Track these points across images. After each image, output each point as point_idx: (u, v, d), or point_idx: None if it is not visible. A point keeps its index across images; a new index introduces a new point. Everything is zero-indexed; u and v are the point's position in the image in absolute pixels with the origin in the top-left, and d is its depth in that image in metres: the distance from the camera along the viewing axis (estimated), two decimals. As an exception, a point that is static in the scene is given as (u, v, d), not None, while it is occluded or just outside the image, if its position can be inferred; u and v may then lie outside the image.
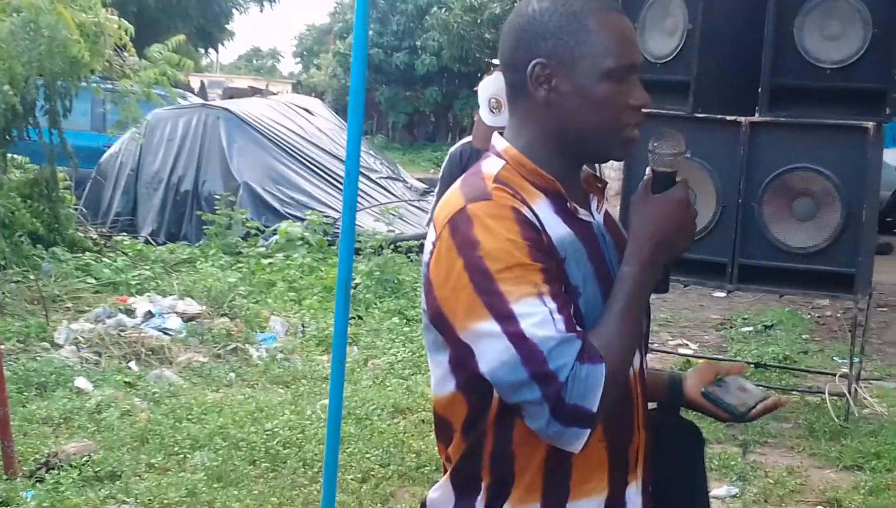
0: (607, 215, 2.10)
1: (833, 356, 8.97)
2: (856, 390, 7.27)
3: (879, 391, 7.89)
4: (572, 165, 2.03)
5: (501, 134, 2.07)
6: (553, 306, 1.82)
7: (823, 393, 7.27)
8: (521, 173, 1.98)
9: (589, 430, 1.82)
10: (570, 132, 1.97)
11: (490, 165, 2.01)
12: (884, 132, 7.10)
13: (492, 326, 1.82)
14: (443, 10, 29.99)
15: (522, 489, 1.94)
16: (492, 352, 1.83)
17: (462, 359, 1.90)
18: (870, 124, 6.54)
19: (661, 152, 1.98)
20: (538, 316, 1.80)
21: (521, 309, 1.81)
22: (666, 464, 2.16)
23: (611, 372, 1.81)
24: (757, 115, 6.87)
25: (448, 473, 2.03)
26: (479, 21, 28.02)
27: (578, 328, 1.84)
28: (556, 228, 1.93)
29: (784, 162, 6.71)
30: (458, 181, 2.02)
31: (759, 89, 6.74)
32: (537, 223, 1.89)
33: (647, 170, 2.02)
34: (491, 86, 4.09)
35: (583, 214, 2.01)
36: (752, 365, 8.34)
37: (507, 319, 1.81)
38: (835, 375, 7.67)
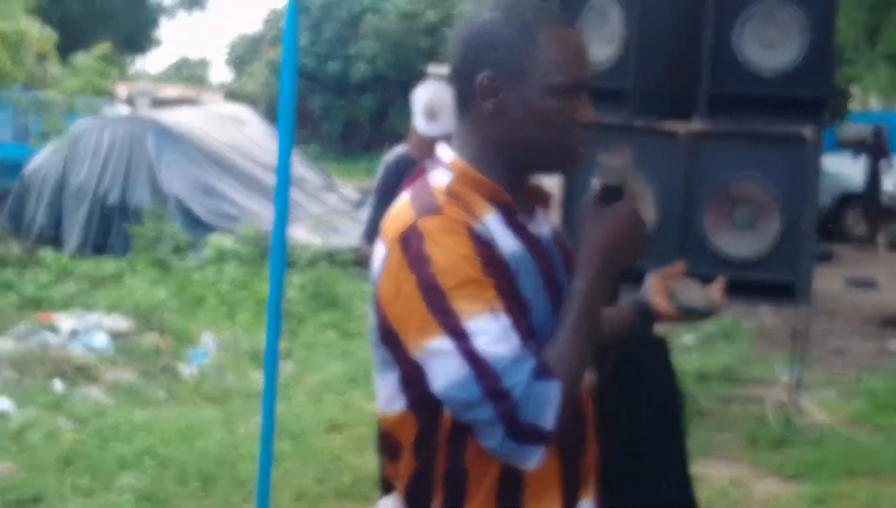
0: (553, 227, 2.10)
1: (775, 365, 8.97)
2: (797, 399, 7.28)
3: (821, 399, 7.89)
4: (519, 178, 2.01)
5: (445, 142, 2.05)
6: (507, 322, 1.80)
7: (765, 403, 7.27)
8: (471, 186, 1.95)
9: (543, 447, 1.81)
10: (515, 145, 1.96)
11: (438, 178, 1.98)
12: (822, 139, 7.12)
13: (444, 343, 1.80)
14: (377, 17, 29.95)
15: (476, 504, 1.92)
16: (444, 370, 1.81)
17: (413, 377, 1.88)
18: (808, 132, 6.54)
19: (608, 165, 1.97)
20: (492, 333, 1.79)
21: (474, 326, 1.79)
22: (646, 379, 2.29)
23: (565, 388, 1.81)
24: (696, 123, 6.85)
25: (400, 491, 2.00)
26: (414, 28, 28.02)
27: (532, 345, 1.82)
28: (508, 242, 1.91)
29: (724, 170, 6.69)
30: (408, 195, 1.98)
31: (699, 97, 6.73)
32: (489, 238, 1.87)
33: (595, 182, 2.01)
34: (425, 94, 3.99)
35: (531, 227, 2.00)
36: (695, 376, 8.32)
37: (460, 336, 1.79)
38: (776, 385, 7.69)
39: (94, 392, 7.16)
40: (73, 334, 8.17)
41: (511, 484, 1.91)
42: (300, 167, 14.74)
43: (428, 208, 1.89)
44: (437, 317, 1.80)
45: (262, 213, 12.71)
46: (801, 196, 6.60)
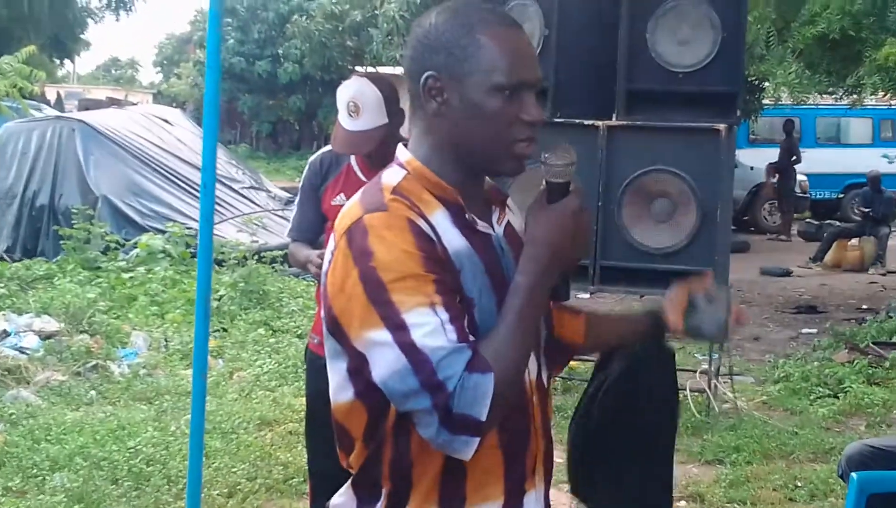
0: (509, 226, 2.12)
1: (694, 352, 9.17)
2: (715, 385, 7.45)
3: (738, 385, 8.09)
4: (471, 177, 2.05)
5: (405, 144, 2.09)
6: (445, 316, 1.85)
7: (685, 390, 7.42)
8: (423, 184, 2.00)
9: (478, 438, 1.85)
10: (462, 145, 2.00)
11: (391, 176, 2.02)
12: (735, 134, 7.31)
13: (384, 335, 1.85)
14: (304, 17, 29.80)
15: (420, 496, 1.97)
16: (384, 361, 1.86)
17: (358, 367, 1.93)
18: (722, 126, 6.69)
19: (552, 164, 1.99)
20: (429, 326, 1.83)
21: (412, 319, 1.84)
22: (651, 387, 2.31)
23: (500, 381, 1.85)
24: (614, 119, 6.99)
25: (350, 480, 2.06)
26: (340, 29, 27.91)
27: (471, 338, 1.87)
28: (453, 239, 1.96)
29: (641, 165, 6.83)
30: (359, 192, 2.04)
31: (616, 94, 6.86)
32: (433, 235, 1.92)
33: (542, 181, 2.04)
34: (349, 90, 4.05)
35: (482, 226, 2.03)
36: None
37: (398, 329, 1.84)
38: (695, 371, 7.85)
39: (25, 394, 7.10)
40: (3, 335, 8.10)
41: (454, 475, 1.96)
42: (229, 167, 14.69)
43: (374, 204, 1.94)
44: (377, 309, 1.85)
45: (192, 212, 12.67)
46: (716, 189, 6.75)
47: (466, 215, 2.00)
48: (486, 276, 1.97)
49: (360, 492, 2.04)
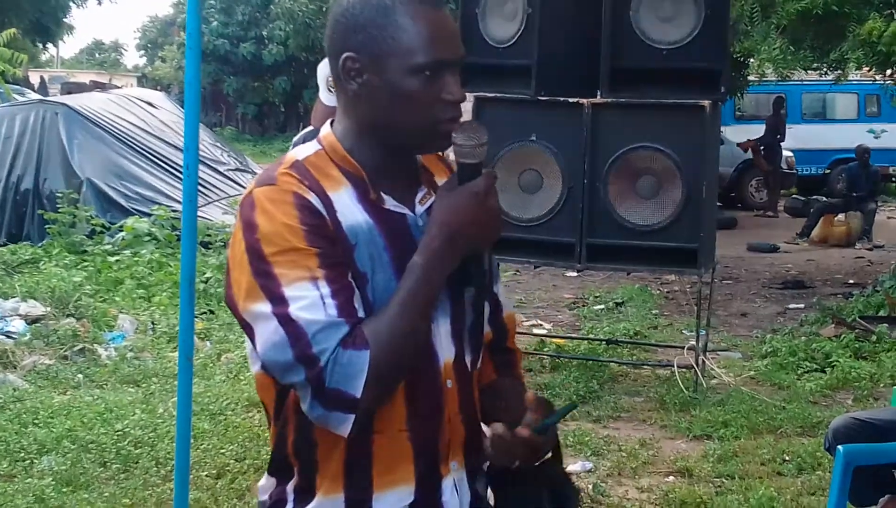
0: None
1: (681, 329, 9.22)
2: (703, 361, 7.46)
3: (726, 361, 8.13)
4: (390, 156, 2.01)
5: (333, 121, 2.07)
6: (326, 290, 1.84)
7: (673, 366, 7.46)
8: (333, 159, 1.99)
9: (352, 415, 1.83)
10: (382, 125, 1.97)
11: (302, 150, 2.02)
12: (720, 110, 7.32)
13: (265, 307, 1.85)
14: (287, -1, 29.76)
15: (327, 477, 1.96)
16: (265, 333, 1.85)
17: (251, 338, 1.92)
18: (706, 103, 6.72)
19: (460, 144, 1.94)
20: (307, 300, 1.83)
21: (291, 292, 1.83)
22: None
23: (377, 359, 1.82)
24: (599, 96, 7.00)
25: (269, 459, 2.06)
26: (324, 9, 27.82)
27: (359, 315, 1.85)
28: (353, 215, 1.94)
29: (626, 142, 6.86)
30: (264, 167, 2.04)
31: (600, 71, 6.87)
32: (322, 209, 1.90)
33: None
34: (328, 66, 4.04)
35: (392, 204, 1.99)
36: (605, 342, 8.50)
37: (278, 301, 1.84)
38: (683, 348, 7.87)
39: (12, 378, 7.08)
40: (-11, 320, 8.11)
41: (359, 456, 1.94)
42: (214, 149, 14.65)
43: (266, 178, 1.93)
44: (259, 282, 1.85)
45: (177, 195, 12.61)
46: (701, 165, 6.79)
47: (371, 193, 1.97)
48: (385, 253, 1.94)
49: (275, 472, 2.04)
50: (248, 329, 1.90)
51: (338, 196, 1.94)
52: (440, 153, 2.14)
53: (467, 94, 7.65)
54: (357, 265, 1.91)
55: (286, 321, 1.82)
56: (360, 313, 1.86)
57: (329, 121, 2.07)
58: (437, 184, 2.08)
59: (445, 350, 2.01)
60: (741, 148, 18.74)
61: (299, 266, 1.84)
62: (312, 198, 1.90)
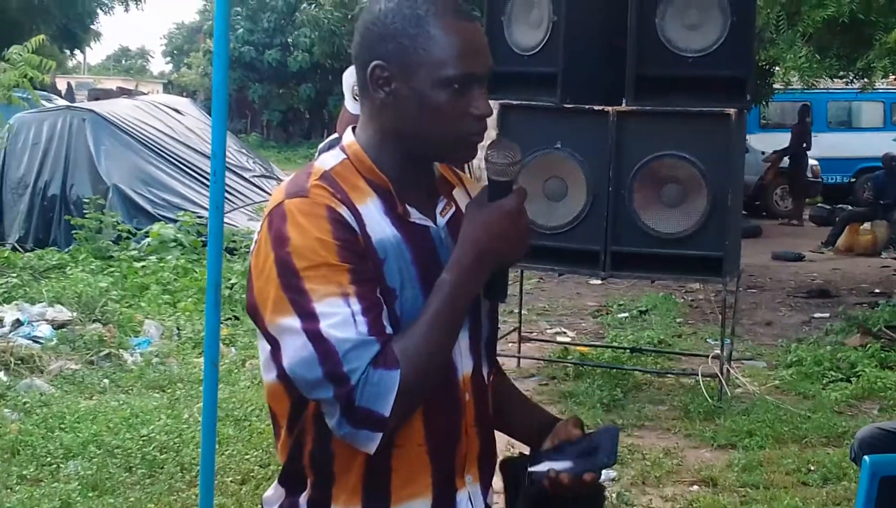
0: (455, 218, 2.04)
1: (706, 338, 9.19)
2: (728, 370, 7.45)
3: (751, 370, 8.10)
4: (413, 167, 2.00)
5: (355, 128, 2.05)
6: (357, 307, 1.81)
7: (697, 375, 7.42)
8: (359, 170, 1.97)
9: (380, 434, 1.82)
10: (408, 136, 1.95)
11: (327, 160, 1.99)
12: (745, 118, 7.30)
13: (294, 322, 1.82)
14: (313, 6, 29.80)
15: (344, 490, 1.94)
16: (292, 348, 1.83)
17: (274, 351, 1.90)
18: (732, 111, 6.70)
19: (494, 161, 1.93)
20: (338, 317, 1.80)
21: (322, 309, 1.81)
22: None
23: (407, 378, 1.81)
24: (624, 104, 6.99)
25: (280, 472, 2.03)
26: (349, 17, 27.89)
27: (388, 331, 1.84)
28: (381, 229, 1.92)
29: (651, 150, 6.85)
30: (291, 176, 2.02)
31: (626, 79, 6.86)
32: (354, 223, 1.88)
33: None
34: (354, 74, 4.05)
35: (416, 217, 1.98)
36: (629, 350, 8.48)
37: (308, 317, 1.81)
38: (708, 357, 7.84)
39: (39, 383, 7.12)
40: (17, 325, 8.14)
41: (378, 469, 1.92)
42: (240, 156, 14.71)
43: (297, 189, 1.90)
44: (289, 296, 1.82)
45: (203, 201, 12.68)
46: (726, 173, 6.77)
47: (398, 206, 1.95)
48: (413, 267, 1.92)
49: (286, 483, 2.01)
50: (273, 341, 1.88)
51: (365, 209, 1.91)
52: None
53: (493, 101, 7.66)
54: (386, 281, 1.89)
55: (316, 337, 1.80)
56: (389, 330, 1.84)
57: (350, 128, 2.05)
58: (454, 194, 2.08)
59: (464, 363, 2.00)
60: (767, 162, 18.67)
61: (331, 282, 1.81)
62: (344, 212, 1.87)
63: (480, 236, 1.89)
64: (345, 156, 1.99)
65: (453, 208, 2.04)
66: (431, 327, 1.86)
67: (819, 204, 19.52)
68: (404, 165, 1.98)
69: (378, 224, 1.91)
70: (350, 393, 1.79)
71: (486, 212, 1.91)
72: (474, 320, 2.03)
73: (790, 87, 12.54)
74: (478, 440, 2.04)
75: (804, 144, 18.52)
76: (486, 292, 1.99)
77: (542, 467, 2.03)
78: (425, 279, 1.92)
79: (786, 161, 18.71)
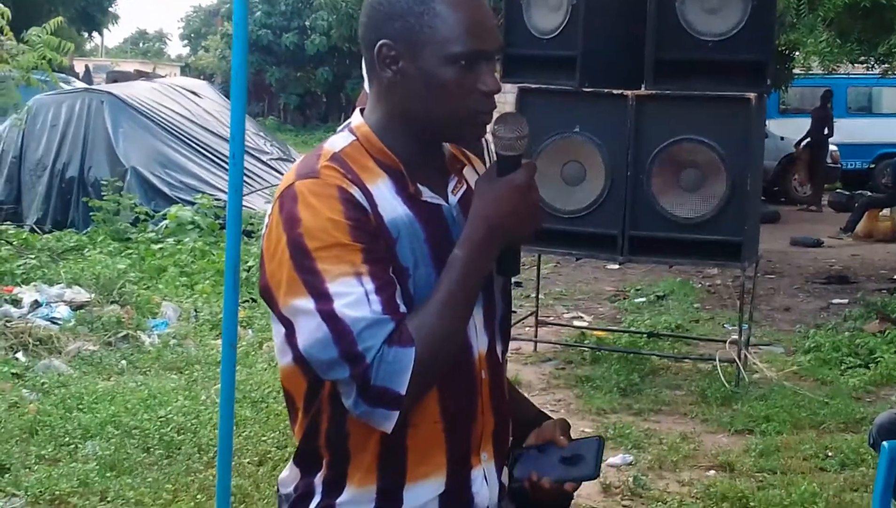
0: (467, 196, 2.03)
1: (723, 323, 9.16)
2: (745, 356, 7.43)
3: (768, 356, 8.08)
4: (423, 146, 1.99)
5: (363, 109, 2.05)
6: (371, 286, 1.81)
7: (715, 360, 7.41)
8: (368, 151, 1.96)
9: (397, 412, 1.82)
10: (417, 115, 1.94)
11: (336, 141, 1.99)
12: (765, 103, 7.26)
13: (308, 303, 1.82)
14: (330, -11, 29.76)
15: (359, 469, 1.94)
16: (307, 329, 1.83)
17: (288, 333, 1.90)
18: (752, 95, 6.68)
19: (501, 136, 1.91)
20: (352, 296, 1.80)
21: (336, 289, 1.81)
22: None
23: (422, 356, 1.81)
24: (643, 88, 6.96)
25: (295, 453, 2.03)
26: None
27: (402, 310, 1.83)
28: (393, 208, 1.91)
29: (670, 134, 6.83)
30: (301, 157, 2.01)
31: (645, 63, 6.83)
32: (366, 203, 1.88)
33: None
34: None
35: (429, 196, 1.98)
36: (646, 335, 8.47)
37: (321, 297, 1.81)
38: (725, 342, 7.83)
39: (57, 363, 7.15)
40: (35, 306, 8.17)
41: (393, 447, 1.92)
42: (257, 139, 14.70)
43: (307, 170, 1.90)
44: (301, 277, 1.82)
45: (220, 184, 12.71)
46: (746, 158, 6.74)
47: (410, 186, 1.95)
48: (426, 246, 1.92)
49: (301, 463, 2.01)
50: (287, 323, 1.88)
51: (376, 189, 1.91)
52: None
53: (511, 84, 7.63)
54: (399, 259, 1.89)
55: (330, 317, 1.80)
56: (403, 309, 1.84)
57: (359, 109, 2.05)
58: (464, 172, 2.07)
59: (480, 341, 2.00)
60: (797, 154, 18.56)
61: (343, 262, 1.81)
62: (356, 192, 1.87)
63: (490, 212, 1.88)
64: (354, 137, 1.98)
65: (464, 187, 2.04)
66: (445, 304, 1.85)
67: (838, 190, 19.43)
68: (414, 144, 1.97)
69: (390, 204, 1.91)
70: (365, 372, 1.79)
71: (495, 187, 1.90)
72: (488, 297, 2.03)
73: (810, 72, 12.48)
74: (493, 417, 2.04)
75: (825, 130, 18.41)
76: (498, 268, 1.98)
77: (524, 468, 2.06)
78: (438, 258, 1.91)
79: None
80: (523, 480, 2.04)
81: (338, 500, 1.96)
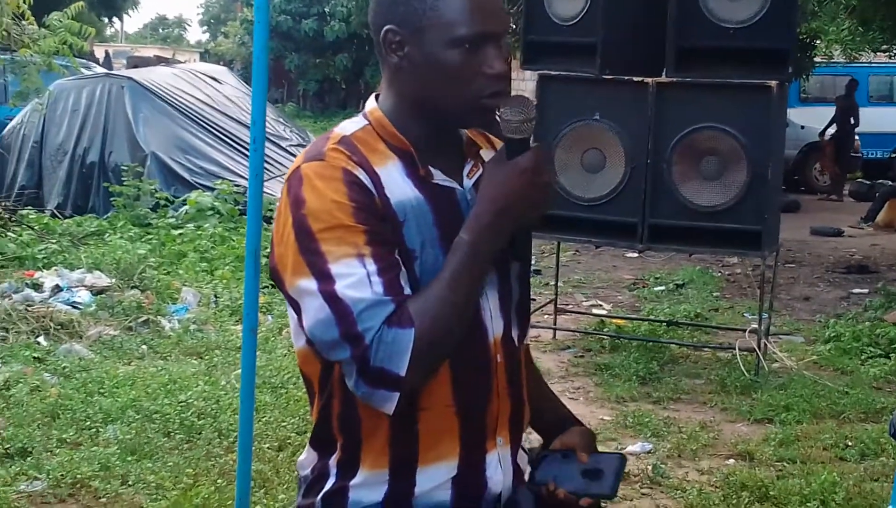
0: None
1: (743, 312, 9.14)
2: (765, 345, 7.41)
3: (788, 345, 8.06)
4: (434, 130, 1.99)
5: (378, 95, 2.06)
6: (373, 268, 1.82)
7: (734, 349, 7.39)
8: (381, 135, 1.97)
9: (397, 394, 1.82)
10: (424, 99, 1.95)
11: (347, 126, 2.01)
12: (787, 91, 7.23)
13: (311, 284, 1.84)
14: (350, -25, 29.73)
15: (371, 451, 1.95)
16: (311, 310, 1.85)
17: (297, 315, 1.92)
18: (773, 83, 6.64)
19: (507, 119, 1.90)
20: (353, 277, 1.82)
21: (338, 270, 1.82)
22: None
23: (422, 337, 1.81)
24: (664, 75, 6.93)
25: (311, 433, 2.06)
26: (387, -14, 27.79)
27: (405, 292, 1.84)
28: (401, 191, 1.92)
29: (691, 122, 6.79)
30: (312, 141, 2.05)
31: (666, 50, 6.80)
32: (371, 186, 1.89)
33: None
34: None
35: (441, 179, 1.98)
36: (665, 323, 8.46)
37: (324, 278, 1.83)
38: (745, 331, 7.79)
39: (78, 348, 7.18)
40: (56, 291, 8.21)
41: (404, 431, 1.93)
42: (276, 125, 14.72)
43: (314, 153, 1.92)
44: (306, 258, 1.84)
45: (240, 169, 12.74)
46: (767, 147, 6.70)
47: (420, 168, 1.95)
48: (434, 229, 1.92)
49: (317, 446, 2.03)
50: (295, 305, 1.90)
51: (386, 172, 1.92)
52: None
53: (532, 71, 7.60)
54: (405, 242, 1.90)
55: (332, 298, 1.82)
56: (407, 291, 1.85)
57: (374, 95, 2.06)
58: (482, 156, 2.06)
59: (495, 325, 2.00)
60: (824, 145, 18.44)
61: (346, 243, 1.83)
62: (361, 174, 1.88)
63: (498, 195, 1.88)
64: (367, 122, 2.00)
65: (480, 170, 2.02)
66: (448, 286, 1.85)
67: (859, 179, 19.34)
68: (425, 127, 1.98)
69: (398, 186, 1.92)
70: (364, 353, 1.80)
71: (503, 170, 1.90)
72: (503, 281, 2.02)
73: (831, 60, 12.42)
74: (509, 402, 2.03)
75: (852, 119, 18.26)
76: (510, 253, 1.98)
77: (545, 473, 2.06)
78: (447, 241, 1.91)
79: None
80: (542, 485, 2.04)
81: (351, 482, 1.98)
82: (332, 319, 1.81)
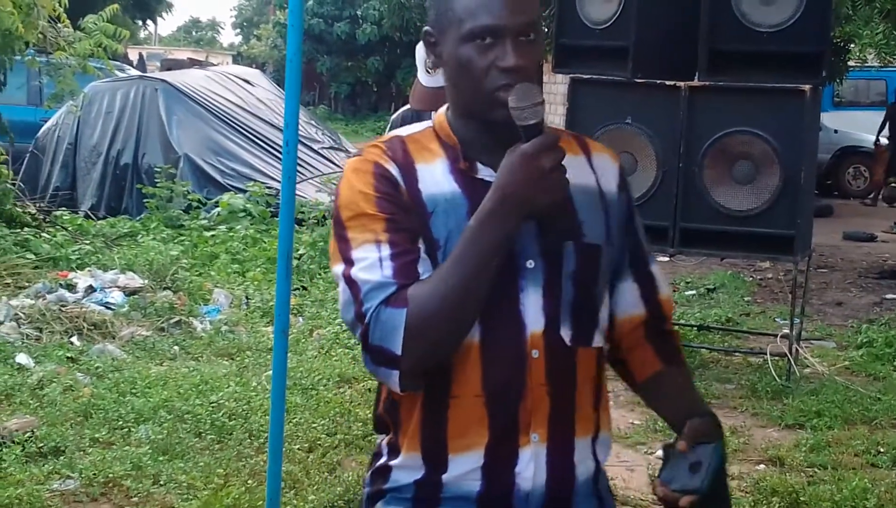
0: None
1: (774, 317, 9.10)
2: (797, 350, 7.37)
3: (820, 350, 8.01)
4: (481, 126, 2.01)
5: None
6: (386, 253, 1.91)
7: (765, 354, 7.37)
8: (438, 134, 2.07)
9: (397, 371, 1.89)
10: (458, 96, 2.04)
11: (412, 128, 2.11)
12: (821, 95, 7.19)
13: (339, 268, 1.96)
14: (382, -22, 29.79)
15: (406, 436, 2.03)
16: (340, 293, 1.97)
17: None
18: (807, 87, 6.61)
19: (514, 107, 1.90)
20: (367, 261, 1.92)
21: (357, 254, 1.93)
22: None
23: (414, 317, 1.86)
24: (696, 79, 6.91)
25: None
26: (419, -10, 27.83)
27: (418, 277, 1.91)
28: (437, 185, 1.99)
29: (723, 126, 6.77)
30: None
31: (698, 54, 6.78)
32: (399, 178, 1.98)
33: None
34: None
35: (486, 174, 2.00)
36: (696, 328, 8.43)
37: (347, 262, 1.94)
38: (776, 336, 7.77)
39: (111, 348, 7.22)
40: (89, 291, 8.27)
41: (433, 417, 1.99)
42: (309, 127, 14.76)
43: (358, 151, 2.06)
44: (338, 245, 1.97)
45: (272, 172, 12.80)
46: (800, 151, 6.67)
47: (461, 163, 2.01)
48: (466, 220, 1.93)
49: (378, 427, 2.14)
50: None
51: (429, 168, 2.01)
52: (575, 133, 2.18)
53: (564, 75, 7.59)
54: (432, 232, 1.96)
55: (350, 281, 1.93)
56: (420, 276, 1.92)
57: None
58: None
59: (533, 321, 1.99)
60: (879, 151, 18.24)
61: (367, 230, 1.93)
62: (391, 168, 1.99)
63: (503, 181, 1.91)
64: (430, 125, 2.09)
65: None
66: (447, 270, 1.90)
67: (892, 184, 19.19)
68: (472, 124, 2.03)
69: (436, 181, 2.00)
70: (366, 331, 1.90)
71: (510, 157, 1.92)
72: (551, 279, 2.01)
73: (865, 64, 12.33)
74: (548, 399, 2.01)
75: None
76: (544, 231, 2.00)
77: (662, 472, 2.07)
78: None
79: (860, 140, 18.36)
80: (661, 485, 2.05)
81: (393, 462, 2.06)
82: (350, 300, 1.93)
